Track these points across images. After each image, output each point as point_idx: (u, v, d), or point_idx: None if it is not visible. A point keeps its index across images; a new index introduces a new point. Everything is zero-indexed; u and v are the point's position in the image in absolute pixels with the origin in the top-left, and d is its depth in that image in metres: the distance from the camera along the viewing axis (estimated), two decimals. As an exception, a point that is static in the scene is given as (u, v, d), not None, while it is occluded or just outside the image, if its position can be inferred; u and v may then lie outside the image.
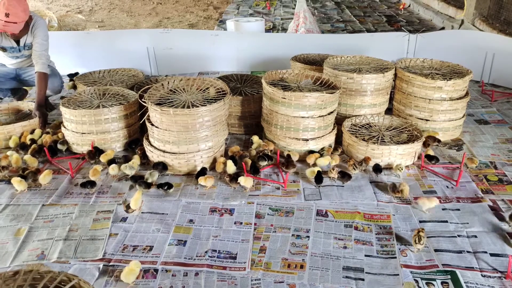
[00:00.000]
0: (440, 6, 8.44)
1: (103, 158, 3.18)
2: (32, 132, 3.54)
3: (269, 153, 3.22)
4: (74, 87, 4.54)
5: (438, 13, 8.32)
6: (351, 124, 3.47)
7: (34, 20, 3.89)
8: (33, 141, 3.41)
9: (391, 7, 9.82)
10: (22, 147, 3.34)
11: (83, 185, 2.89)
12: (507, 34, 6.00)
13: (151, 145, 3.14)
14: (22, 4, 3.63)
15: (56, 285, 1.33)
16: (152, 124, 3.05)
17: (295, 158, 3.19)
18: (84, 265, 2.25)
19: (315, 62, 4.35)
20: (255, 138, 3.37)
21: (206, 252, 2.35)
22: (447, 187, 2.92)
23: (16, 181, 2.87)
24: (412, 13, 9.12)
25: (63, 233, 2.49)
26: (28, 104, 4.05)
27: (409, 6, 9.66)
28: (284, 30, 7.54)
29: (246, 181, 2.85)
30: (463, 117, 3.56)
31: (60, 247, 2.37)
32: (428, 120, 3.48)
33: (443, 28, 7.43)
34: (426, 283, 2.13)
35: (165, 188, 2.85)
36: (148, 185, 2.89)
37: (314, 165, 3.11)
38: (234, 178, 2.90)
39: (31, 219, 2.62)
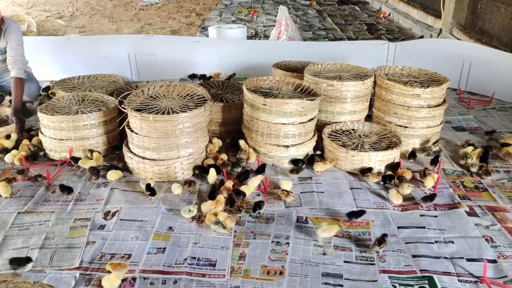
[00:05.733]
0: (419, 15, 8.59)
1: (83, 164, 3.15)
2: (8, 137, 3.48)
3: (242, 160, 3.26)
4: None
5: (417, 22, 8.47)
6: (331, 131, 3.49)
7: (7, 24, 3.83)
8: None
9: (372, 15, 9.95)
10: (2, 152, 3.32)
11: (62, 188, 2.86)
12: (483, 43, 6.13)
13: (131, 152, 3.11)
14: None
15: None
16: (132, 131, 3.02)
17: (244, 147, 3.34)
18: (60, 274, 2.20)
19: (296, 69, 4.37)
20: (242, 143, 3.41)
21: (185, 259, 2.32)
22: (425, 193, 2.95)
23: (3, 185, 2.84)
24: (392, 22, 9.26)
25: (39, 241, 2.44)
26: (5, 110, 3.98)
27: (389, 15, 9.81)
28: (266, 37, 7.57)
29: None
30: (440, 124, 3.61)
31: (35, 256, 2.32)
32: (407, 127, 3.53)
33: (422, 37, 7.55)
34: (404, 289, 2.15)
35: (148, 193, 2.83)
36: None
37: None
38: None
39: (6, 227, 2.55)
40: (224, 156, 3.24)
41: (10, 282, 1.34)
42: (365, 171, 3.09)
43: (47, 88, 4.58)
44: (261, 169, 3.14)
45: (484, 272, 2.19)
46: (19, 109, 3.76)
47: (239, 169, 3.15)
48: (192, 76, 5.19)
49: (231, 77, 5.16)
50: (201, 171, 3.10)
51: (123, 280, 2.15)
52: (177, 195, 2.89)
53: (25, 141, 3.40)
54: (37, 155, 3.31)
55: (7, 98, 4.26)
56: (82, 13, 10.59)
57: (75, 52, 5.15)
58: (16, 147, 3.41)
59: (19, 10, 10.70)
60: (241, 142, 3.40)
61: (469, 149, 3.36)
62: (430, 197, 2.82)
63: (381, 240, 2.39)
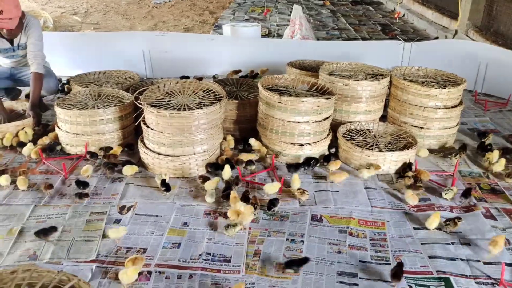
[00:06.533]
0: (434, 16, 8.53)
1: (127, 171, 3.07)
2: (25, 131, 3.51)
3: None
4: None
5: (432, 23, 8.41)
6: (346, 130, 3.48)
7: (28, 20, 3.86)
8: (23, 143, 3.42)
9: (386, 16, 9.90)
10: (20, 145, 3.38)
11: (77, 183, 2.88)
12: (499, 45, 6.06)
13: (146, 147, 3.12)
14: (14, 0, 3.62)
15: (55, 284, 1.31)
16: (148, 126, 3.04)
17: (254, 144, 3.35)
18: (77, 266, 2.23)
19: (311, 68, 4.36)
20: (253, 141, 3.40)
21: (200, 255, 2.33)
22: (441, 194, 2.93)
23: (21, 178, 2.88)
24: (406, 23, 9.20)
25: (56, 233, 2.46)
26: (22, 104, 4.02)
27: (403, 15, 9.75)
28: (280, 36, 7.57)
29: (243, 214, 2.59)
30: (457, 125, 3.59)
31: (52, 248, 2.35)
32: (423, 127, 3.50)
33: (437, 38, 7.49)
34: (420, 289, 2.14)
35: (163, 189, 2.85)
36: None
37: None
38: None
39: (23, 219, 2.59)
40: (241, 156, 3.24)
41: (34, 271, 1.35)
42: (404, 170, 3.08)
43: (68, 82, 4.62)
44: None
45: (502, 275, 2.17)
46: (37, 103, 3.80)
47: (253, 167, 3.16)
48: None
49: (257, 75, 5.14)
50: (214, 168, 3.11)
51: (139, 274, 2.16)
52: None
53: (45, 138, 3.43)
54: (53, 147, 3.35)
55: (24, 92, 4.31)
56: (96, 10, 10.67)
57: (90, 48, 5.19)
58: (32, 140, 3.44)
59: (34, 6, 10.80)
60: (252, 141, 3.39)
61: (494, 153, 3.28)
62: (468, 192, 2.84)
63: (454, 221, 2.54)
